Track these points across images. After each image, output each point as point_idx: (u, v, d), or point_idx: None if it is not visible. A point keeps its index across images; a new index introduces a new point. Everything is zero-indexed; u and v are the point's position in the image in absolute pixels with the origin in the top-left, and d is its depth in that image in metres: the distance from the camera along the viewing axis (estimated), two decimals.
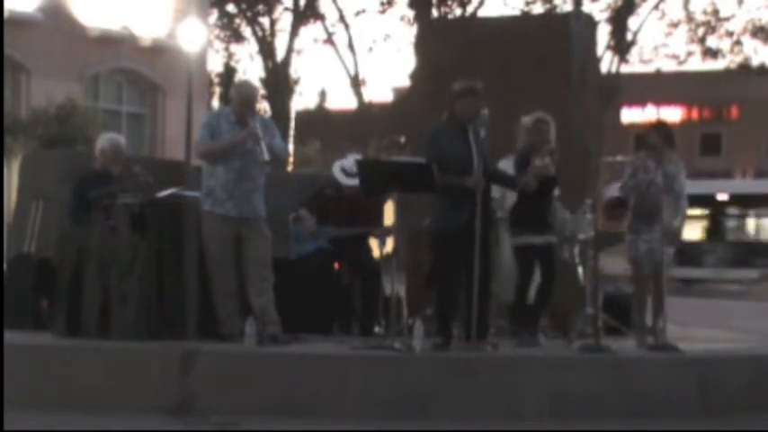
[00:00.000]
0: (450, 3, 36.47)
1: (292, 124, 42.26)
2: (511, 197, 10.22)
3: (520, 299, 9.91)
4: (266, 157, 9.13)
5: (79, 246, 9.48)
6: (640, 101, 48.28)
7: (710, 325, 14.59)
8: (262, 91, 39.89)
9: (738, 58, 39.49)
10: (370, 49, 41.17)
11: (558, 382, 8.75)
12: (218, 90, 42.58)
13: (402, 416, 8.33)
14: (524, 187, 9.57)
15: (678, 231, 10.10)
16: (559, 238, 10.23)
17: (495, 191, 9.95)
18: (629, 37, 38.50)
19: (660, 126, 10.44)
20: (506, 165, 10.77)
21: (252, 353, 8.77)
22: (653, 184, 9.90)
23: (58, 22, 26.04)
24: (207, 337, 9.18)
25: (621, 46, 38.24)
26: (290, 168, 32.07)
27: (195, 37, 26.85)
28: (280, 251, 10.11)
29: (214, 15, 38.01)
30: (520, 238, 9.86)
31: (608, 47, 37.66)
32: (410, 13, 37.34)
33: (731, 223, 37.17)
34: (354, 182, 10.14)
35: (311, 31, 41.52)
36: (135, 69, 28.40)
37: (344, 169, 10.53)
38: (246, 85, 10.04)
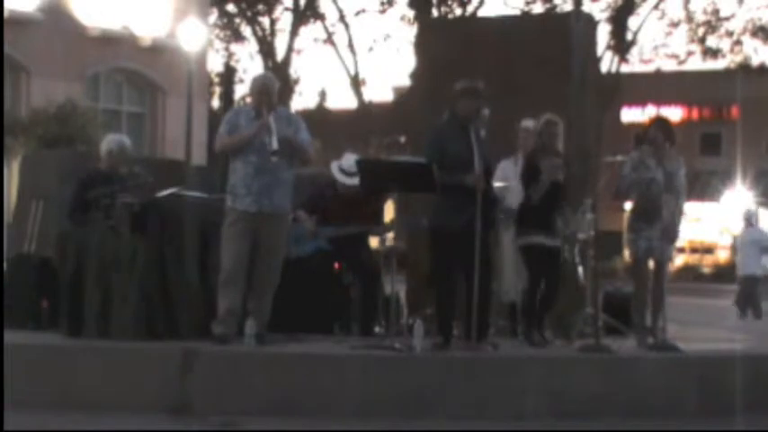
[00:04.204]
0: (450, 2, 36.39)
1: None
2: (510, 197, 10.20)
3: (529, 299, 9.89)
4: (275, 146, 8.98)
5: (79, 246, 9.48)
6: (640, 101, 48.27)
7: (710, 325, 14.59)
8: None
9: (738, 58, 39.42)
10: (371, 49, 41.03)
11: (558, 382, 8.75)
12: (218, 90, 42.54)
13: (402, 416, 8.33)
14: (535, 197, 9.58)
15: (678, 229, 10.08)
16: (559, 237, 10.21)
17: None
18: (629, 37, 38.43)
19: (660, 121, 10.41)
20: (507, 165, 10.77)
21: (252, 353, 8.77)
22: (653, 181, 9.87)
23: (57, 22, 25.98)
24: (207, 337, 9.17)
25: (621, 46, 38.17)
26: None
27: (195, 37, 26.79)
28: None
29: (214, 15, 37.97)
30: (526, 237, 9.84)
31: (608, 47, 37.62)
32: (410, 13, 37.27)
33: None
34: (353, 181, 10.12)
35: (311, 30, 41.37)
36: (135, 69, 28.35)
37: (343, 169, 10.51)
38: (262, 76, 9.89)
